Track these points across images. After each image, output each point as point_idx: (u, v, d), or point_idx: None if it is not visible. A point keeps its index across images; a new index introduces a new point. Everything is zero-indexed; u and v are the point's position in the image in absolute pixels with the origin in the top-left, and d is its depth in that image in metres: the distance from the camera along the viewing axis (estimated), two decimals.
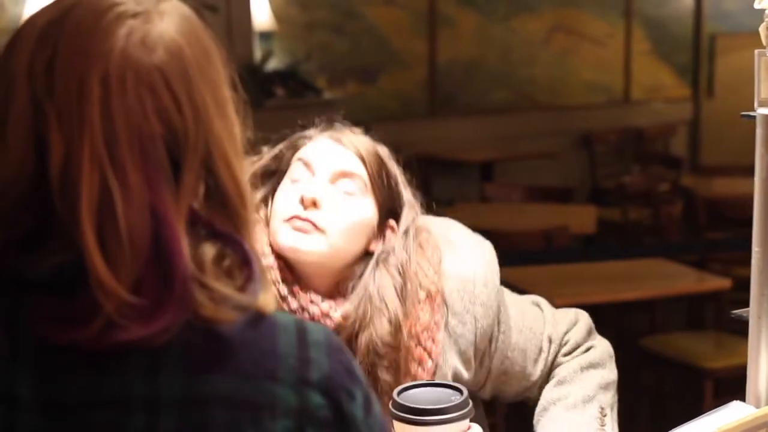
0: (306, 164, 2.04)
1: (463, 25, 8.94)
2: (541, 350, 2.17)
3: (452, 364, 2.09)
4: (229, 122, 1.23)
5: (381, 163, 2.09)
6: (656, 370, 5.35)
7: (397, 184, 2.10)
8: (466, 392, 1.88)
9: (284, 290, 1.99)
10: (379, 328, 1.98)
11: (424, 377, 2.04)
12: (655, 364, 5.29)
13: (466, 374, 2.11)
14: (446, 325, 2.08)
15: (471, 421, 1.88)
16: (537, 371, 2.17)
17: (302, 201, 1.98)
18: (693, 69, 9.83)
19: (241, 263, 1.21)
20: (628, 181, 7.59)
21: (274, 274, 1.98)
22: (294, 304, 1.99)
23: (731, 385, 5.12)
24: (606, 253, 6.07)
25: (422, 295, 2.04)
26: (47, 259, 1.15)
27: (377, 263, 2.03)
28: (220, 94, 1.23)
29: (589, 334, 2.24)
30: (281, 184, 2.06)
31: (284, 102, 7.78)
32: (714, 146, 9.64)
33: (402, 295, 2.01)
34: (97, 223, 1.13)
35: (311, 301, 2.00)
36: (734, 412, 1.91)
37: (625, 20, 9.54)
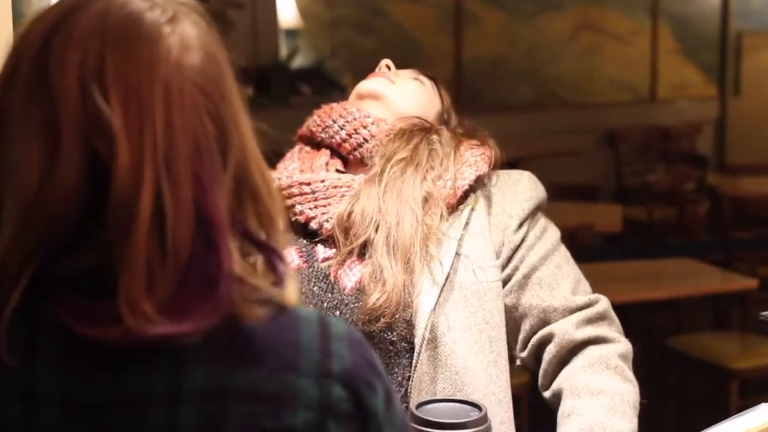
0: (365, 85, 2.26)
1: (488, 23, 8.93)
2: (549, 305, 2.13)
3: (480, 255, 2.07)
4: (247, 119, 1.23)
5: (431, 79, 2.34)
6: (682, 370, 5.33)
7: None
8: (485, 409, 1.89)
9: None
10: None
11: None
12: (681, 365, 5.27)
13: (495, 261, 2.09)
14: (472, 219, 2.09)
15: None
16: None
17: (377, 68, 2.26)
18: (719, 67, 9.79)
19: (268, 260, 1.21)
20: (654, 180, 7.57)
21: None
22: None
23: (757, 386, 5.11)
24: (631, 252, 6.05)
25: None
26: (78, 261, 1.13)
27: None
28: (236, 90, 1.22)
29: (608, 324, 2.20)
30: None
31: (310, 99, 7.78)
32: (740, 145, 9.60)
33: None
34: (149, 242, 1.11)
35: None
36: (762, 414, 1.90)
37: (651, 18, 9.51)
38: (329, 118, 2.18)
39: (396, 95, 2.22)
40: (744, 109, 9.69)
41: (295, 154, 2.18)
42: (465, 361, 2.03)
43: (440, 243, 2.03)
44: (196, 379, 1.15)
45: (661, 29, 9.55)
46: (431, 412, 1.88)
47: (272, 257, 1.20)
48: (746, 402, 4.58)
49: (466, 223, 2.08)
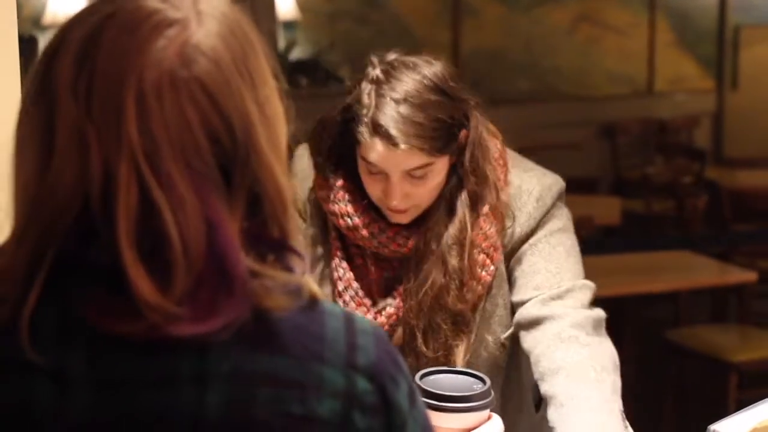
0: (374, 166, 2.14)
1: (487, 15, 8.92)
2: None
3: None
4: (271, 124, 1.24)
5: (438, 121, 2.13)
6: (680, 363, 5.33)
7: (455, 111, 2.19)
8: (488, 382, 1.88)
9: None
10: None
11: (488, 279, 2.20)
12: (680, 357, 5.27)
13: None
14: None
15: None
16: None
17: (388, 201, 2.16)
18: (717, 61, 9.78)
19: (287, 261, 1.24)
20: (652, 173, 7.56)
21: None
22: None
23: (756, 379, 5.11)
24: (630, 244, 6.04)
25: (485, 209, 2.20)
26: (92, 259, 1.17)
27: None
28: (263, 95, 1.23)
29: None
30: (359, 159, 2.17)
31: (308, 91, 7.77)
32: (738, 138, 9.60)
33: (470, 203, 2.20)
34: (139, 238, 1.14)
35: None
36: None
37: (649, 11, 9.49)
38: (367, 235, 2.23)
39: (419, 211, 2.22)
40: (742, 102, 9.69)
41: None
42: None
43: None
44: (223, 363, 1.17)
45: (659, 22, 9.54)
46: (435, 384, 1.87)
47: (286, 255, 1.23)
48: (745, 395, 4.58)
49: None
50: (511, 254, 2.25)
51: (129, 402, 1.17)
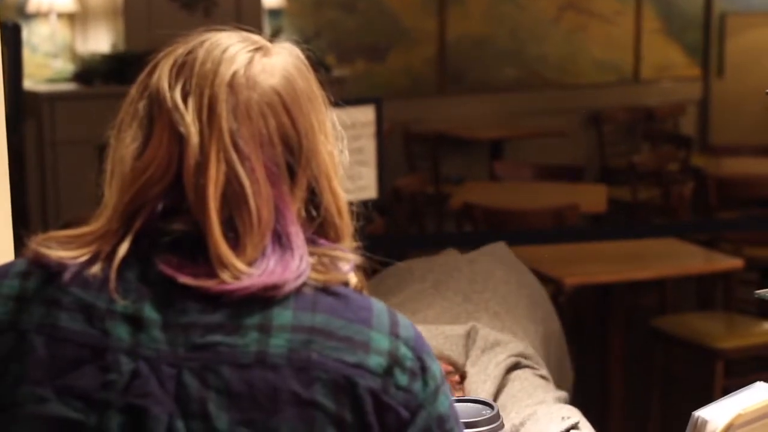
0: None
1: (472, 3, 8.91)
2: None
3: None
4: (330, 145, 1.51)
5: None
6: (667, 350, 5.34)
7: None
8: (496, 408, 1.92)
9: None
10: None
11: None
12: (666, 345, 5.28)
13: None
14: None
15: None
16: None
17: None
18: (703, 48, 9.80)
19: (339, 257, 1.48)
20: (638, 161, 7.57)
21: None
22: None
23: (742, 366, 5.12)
24: (616, 232, 6.04)
25: None
26: (175, 225, 1.43)
27: None
28: (322, 119, 1.51)
29: None
30: None
31: None
32: (724, 126, 9.62)
33: None
34: (223, 206, 1.41)
35: None
36: (758, 393, 1.89)
37: None
38: None
39: None
40: (727, 89, 9.70)
41: None
42: None
43: None
44: (285, 317, 1.41)
45: (645, 10, 9.55)
46: None
47: (337, 254, 1.47)
48: (731, 382, 4.59)
49: None
50: None
51: (195, 339, 1.40)
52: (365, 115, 4.23)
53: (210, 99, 1.44)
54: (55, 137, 7.27)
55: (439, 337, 2.50)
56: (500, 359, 2.43)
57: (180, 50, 1.50)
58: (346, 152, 1.56)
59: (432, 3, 8.75)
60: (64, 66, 7.70)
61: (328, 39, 8.28)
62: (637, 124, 9.32)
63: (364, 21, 8.46)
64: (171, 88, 1.46)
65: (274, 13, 8.29)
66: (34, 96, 7.25)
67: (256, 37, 1.54)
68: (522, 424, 2.18)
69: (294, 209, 1.45)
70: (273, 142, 1.45)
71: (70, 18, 7.68)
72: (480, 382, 2.37)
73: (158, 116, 1.46)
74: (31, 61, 7.43)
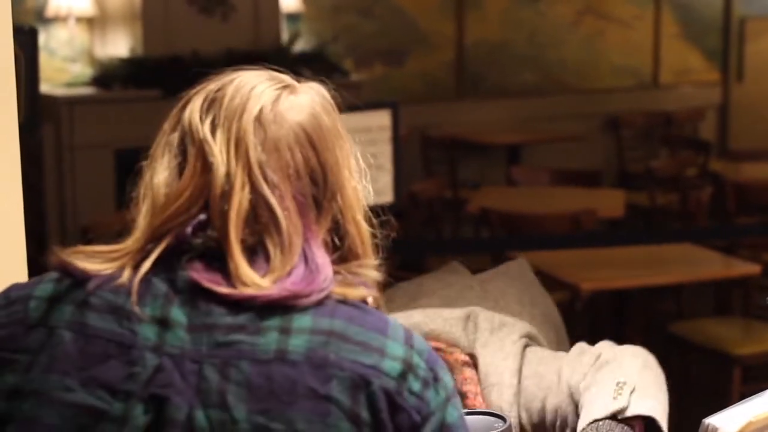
0: None
1: (490, 7, 8.91)
2: None
3: None
4: (354, 181, 1.61)
5: None
6: (684, 356, 5.32)
7: None
8: (509, 420, 1.92)
9: None
10: None
11: None
12: (683, 351, 5.26)
13: None
14: None
15: None
16: None
17: None
18: (722, 53, 9.77)
19: (361, 274, 1.58)
20: (656, 166, 7.55)
21: None
22: None
23: (760, 372, 5.10)
24: (633, 237, 6.03)
25: None
26: (202, 242, 1.52)
27: None
28: (346, 155, 1.61)
29: None
30: None
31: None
32: (743, 131, 9.59)
33: None
34: (251, 231, 1.52)
35: None
36: None
37: (654, 3, 9.49)
38: None
39: None
40: (747, 94, 9.68)
41: None
42: None
43: None
44: (305, 321, 1.49)
45: (664, 14, 9.53)
46: None
47: (360, 272, 1.57)
48: (749, 388, 4.57)
49: None
50: None
51: (218, 338, 1.49)
52: (382, 119, 4.23)
53: (237, 132, 1.54)
54: (74, 141, 7.27)
55: (438, 319, 2.52)
56: (515, 338, 2.49)
57: (211, 86, 1.60)
58: (370, 187, 1.66)
59: (450, 7, 8.75)
60: (83, 70, 7.72)
61: (345, 43, 8.28)
62: (655, 129, 9.30)
63: (382, 25, 8.45)
64: (201, 121, 1.57)
65: (292, 17, 8.29)
66: (53, 100, 7.26)
67: (283, 77, 1.63)
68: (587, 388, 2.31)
69: (320, 236, 1.56)
70: (300, 175, 1.55)
71: (89, 22, 7.70)
72: (500, 359, 2.42)
73: (190, 147, 1.56)
74: (49, 65, 7.45)
